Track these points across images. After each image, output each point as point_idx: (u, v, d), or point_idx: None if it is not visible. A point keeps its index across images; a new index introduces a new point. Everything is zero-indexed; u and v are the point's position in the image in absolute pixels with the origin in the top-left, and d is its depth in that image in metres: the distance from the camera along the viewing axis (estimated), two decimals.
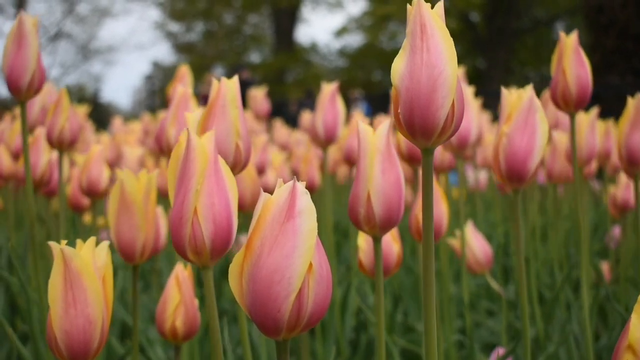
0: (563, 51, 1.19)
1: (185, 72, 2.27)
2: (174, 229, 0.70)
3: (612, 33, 9.80)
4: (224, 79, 0.94)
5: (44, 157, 1.64)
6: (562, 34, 1.19)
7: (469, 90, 1.58)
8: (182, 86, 1.37)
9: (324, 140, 1.72)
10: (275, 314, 0.53)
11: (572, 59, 1.18)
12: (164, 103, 4.25)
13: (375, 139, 0.84)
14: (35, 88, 1.20)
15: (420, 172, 1.58)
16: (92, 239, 0.74)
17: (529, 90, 0.92)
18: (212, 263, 0.71)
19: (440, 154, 1.93)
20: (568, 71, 1.18)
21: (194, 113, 0.99)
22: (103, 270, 0.74)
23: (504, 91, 0.94)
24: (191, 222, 0.69)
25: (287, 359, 0.57)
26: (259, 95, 3.53)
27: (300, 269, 0.53)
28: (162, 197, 2.24)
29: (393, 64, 0.63)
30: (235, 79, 0.95)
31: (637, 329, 0.56)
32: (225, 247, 0.70)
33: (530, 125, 0.90)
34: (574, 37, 1.19)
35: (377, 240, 0.87)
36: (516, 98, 0.92)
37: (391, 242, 1.14)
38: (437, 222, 1.28)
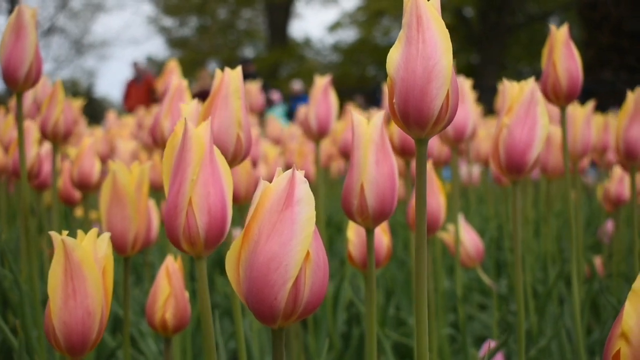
0: (554, 44, 1.19)
1: (174, 67, 2.27)
2: (168, 219, 0.69)
3: (605, 29, 9.84)
4: (227, 70, 0.94)
5: (32, 149, 1.63)
6: (553, 28, 1.19)
7: (466, 83, 1.58)
8: (177, 79, 1.36)
9: (317, 134, 1.72)
10: (272, 301, 0.54)
11: (562, 53, 1.18)
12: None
13: (369, 130, 0.84)
14: (32, 80, 1.19)
15: (412, 165, 1.59)
16: (94, 230, 0.74)
17: (530, 83, 0.92)
18: (206, 253, 0.71)
19: (438, 147, 1.92)
20: (558, 64, 1.18)
21: (189, 105, 0.99)
22: (103, 261, 0.74)
23: (506, 83, 0.94)
24: (186, 212, 0.69)
25: (283, 348, 0.57)
26: (253, 88, 3.53)
27: (298, 257, 0.53)
28: (155, 190, 2.24)
29: (389, 55, 0.64)
30: (239, 70, 0.94)
31: (631, 317, 0.56)
32: (220, 237, 0.70)
33: (531, 117, 0.91)
34: (564, 30, 1.19)
35: (369, 232, 0.87)
36: (518, 91, 0.92)
37: (381, 234, 1.14)
38: (434, 215, 1.28)
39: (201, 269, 0.72)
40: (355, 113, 0.85)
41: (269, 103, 8.16)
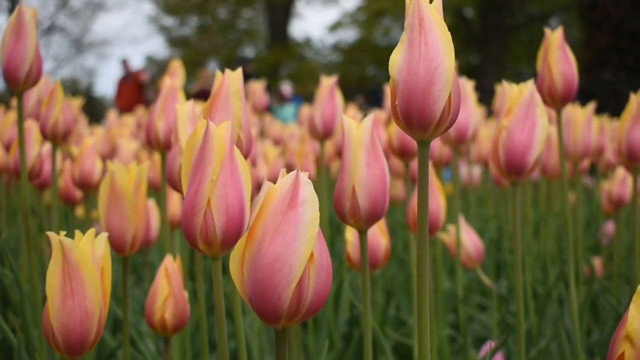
0: (549, 47, 1.20)
1: (177, 67, 2.27)
2: (185, 218, 0.70)
3: (605, 30, 9.84)
4: (227, 71, 0.94)
5: (34, 149, 1.63)
6: (547, 31, 1.20)
7: (468, 85, 1.58)
8: (171, 79, 1.36)
9: (322, 134, 1.72)
10: (276, 301, 0.54)
11: (557, 55, 1.19)
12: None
13: (359, 132, 0.84)
14: (33, 79, 1.19)
15: (412, 166, 1.59)
16: (91, 230, 0.74)
17: (529, 84, 0.93)
18: (222, 254, 0.71)
19: (439, 148, 1.93)
20: (554, 67, 1.19)
21: (185, 105, 0.99)
22: (102, 261, 0.74)
23: (505, 85, 0.95)
24: (204, 212, 0.69)
25: (286, 348, 0.57)
26: (257, 88, 3.53)
27: (302, 258, 0.53)
28: (155, 190, 2.24)
29: (391, 57, 0.64)
30: (239, 71, 0.94)
31: (635, 320, 0.56)
32: (236, 238, 0.70)
33: (530, 119, 0.91)
34: (559, 33, 1.20)
35: (362, 234, 0.87)
36: (517, 92, 0.93)
37: (379, 235, 1.14)
38: (434, 216, 1.28)
39: (216, 269, 0.73)
40: (345, 116, 0.85)
41: (282, 99, 8.05)
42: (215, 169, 0.69)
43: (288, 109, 7.73)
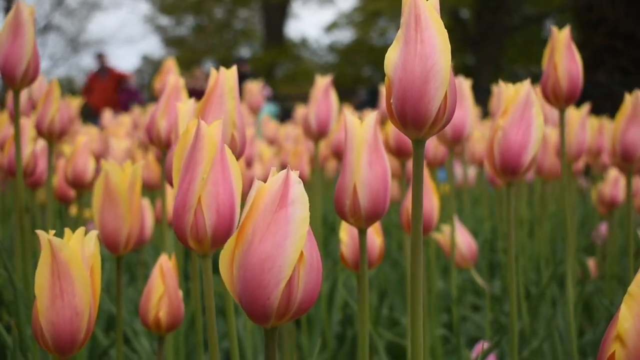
0: (555, 46, 1.20)
1: (172, 66, 2.27)
2: (176, 216, 0.70)
3: (601, 31, 9.84)
4: (222, 69, 0.94)
5: (27, 147, 1.63)
6: (554, 29, 1.20)
7: (466, 84, 1.58)
8: (173, 78, 1.36)
9: (317, 134, 1.73)
10: (265, 301, 0.54)
11: (563, 54, 1.19)
12: (153, 97, 4.28)
13: (362, 131, 0.84)
14: (30, 78, 1.19)
15: (407, 166, 1.59)
16: (80, 229, 0.73)
17: (526, 84, 0.93)
18: (213, 252, 0.72)
19: (433, 148, 1.92)
20: (559, 66, 1.19)
21: (186, 103, 0.99)
22: (91, 260, 0.74)
23: (502, 85, 0.94)
24: (194, 210, 0.69)
25: (275, 347, 0.57)
26: (254, 88, 3.53)
27: (291, 258, 0.53)
28: (149, 189, 2.24)
29: (387, 54, 0.63)
30: (234, 69, 0.94)
31: (627, 320, 0.56)
32: (227, 236, 0.71)
33: (526, 119, 0.91)
34: (566, 32, 1.20)
35: (362, 232, 0.87)
36: (513, 92, 0.93)
37: (373, 235, 1.14)
38: (428, 216, 1.28)
39: (207, 267, 0.73)
40: (348, 114, 0.85)
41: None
42: (206, 168, 0.69)
43: (267, 108, 7.80)
